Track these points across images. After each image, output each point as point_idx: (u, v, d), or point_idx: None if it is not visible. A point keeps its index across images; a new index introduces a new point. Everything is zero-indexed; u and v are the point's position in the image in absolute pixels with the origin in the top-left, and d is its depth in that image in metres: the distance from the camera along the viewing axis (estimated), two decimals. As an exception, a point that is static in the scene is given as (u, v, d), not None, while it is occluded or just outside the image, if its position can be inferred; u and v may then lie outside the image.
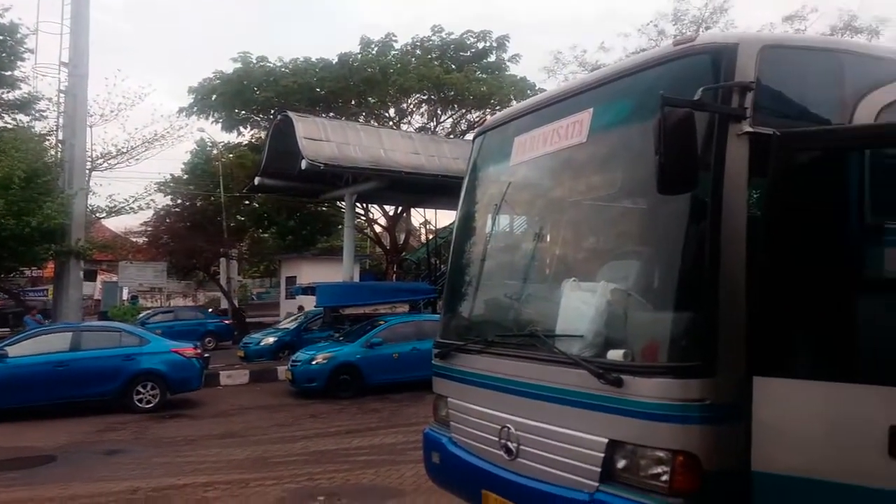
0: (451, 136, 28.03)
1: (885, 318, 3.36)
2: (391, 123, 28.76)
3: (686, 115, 2.96)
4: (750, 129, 3.18)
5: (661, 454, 3.15)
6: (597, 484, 3.35)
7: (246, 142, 30.24)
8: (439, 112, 29.64)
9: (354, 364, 13.84)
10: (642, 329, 3.48)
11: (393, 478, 7.45)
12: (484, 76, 28.16)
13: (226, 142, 31.33)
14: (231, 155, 30.46)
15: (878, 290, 3.33)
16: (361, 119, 27.29)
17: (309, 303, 20.85)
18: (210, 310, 31.37)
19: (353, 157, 18.37)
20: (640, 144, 3.34)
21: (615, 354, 3.38)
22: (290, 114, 18.95)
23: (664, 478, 3.13)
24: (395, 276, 28.37)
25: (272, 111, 25.34)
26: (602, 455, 3.35)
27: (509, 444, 3.89)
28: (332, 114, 26.20)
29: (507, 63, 29.44)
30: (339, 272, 21.17)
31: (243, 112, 28.19)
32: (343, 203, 22.69)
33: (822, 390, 3.03)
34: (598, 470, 3.35)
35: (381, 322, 15.11)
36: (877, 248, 3.33)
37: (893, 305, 3.36)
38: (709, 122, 3.19)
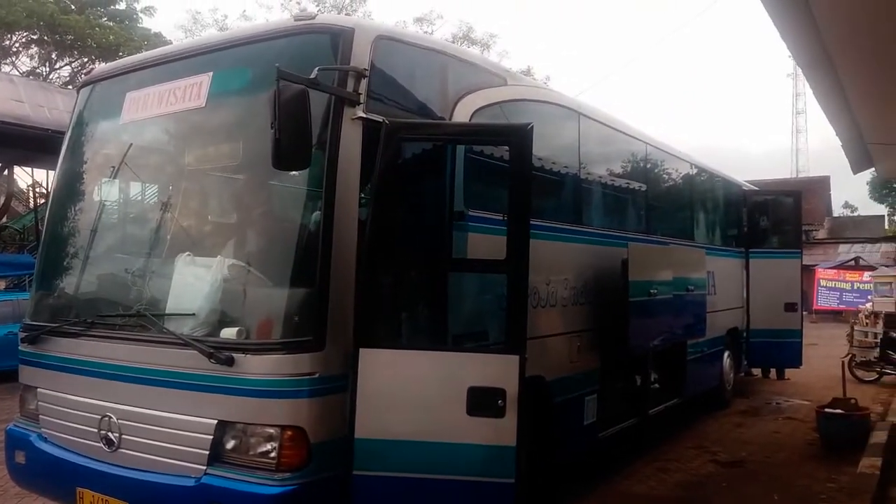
0: (70, 87, 24.40)
1: (467, 294, 3.91)
2: (-12, 63, 23.96)
3: (301, 92, 2.97)
4: (363, 115, 3.34)
5: (270, 430, 3.16)
6: (205, 467, 3.23)
7: None
8: (54, 57, 25.67)
9: (-81, 354, 11.24)
10: (257, 306, 3.43)
11: (-31, 487, 6.21)
12: (111, 24, 25.18)
13: None
14: None
15: (462, 270, 3.84)
16: (-54, 52, 22.19)
17: None
18: None
19: (-73, 96, 14.76)
20: (260, 116, 3.24)
21: (229, 333, 3.28)
22: None
23: (272, 454, 3.14)
24: (-10, 246, 23.82)
25: None
26: (211, 437, 3.23)
27: (110, 434, 3.53)
28: None
29: (140, 14, 26.82)
30: None
31: None
32: (-88, 153, 18.10)
33: (417, 359, 3.37)
34: (207, 453, 3.22)
35: (-36, 302, 12.56)
36: (462, 234, 3.82)
37: (473, 284, 3.93)
38: (326, 103, 3.25)
